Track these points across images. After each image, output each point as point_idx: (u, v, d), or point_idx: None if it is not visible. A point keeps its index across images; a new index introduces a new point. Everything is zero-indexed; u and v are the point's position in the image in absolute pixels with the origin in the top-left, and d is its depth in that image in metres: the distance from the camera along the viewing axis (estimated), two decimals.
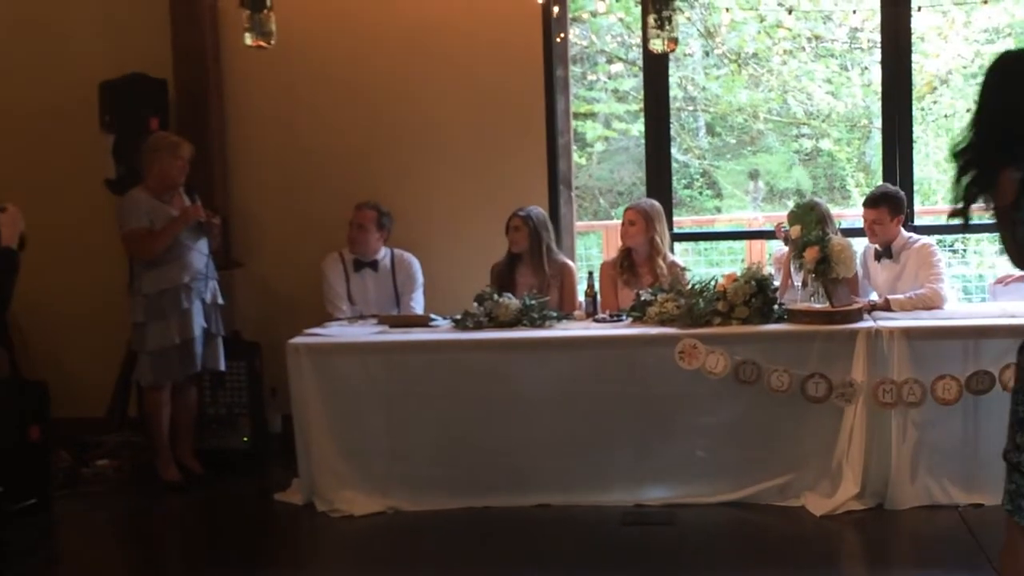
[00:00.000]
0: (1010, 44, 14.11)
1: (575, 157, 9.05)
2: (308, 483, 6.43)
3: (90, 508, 6.84)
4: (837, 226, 7.06)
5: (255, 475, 7.31)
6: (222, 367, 7.26)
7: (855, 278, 6.67)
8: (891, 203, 6.87)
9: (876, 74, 8.64)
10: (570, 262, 7.52)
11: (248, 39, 6.65)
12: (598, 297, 6.94)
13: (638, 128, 11.14)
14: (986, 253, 12.70)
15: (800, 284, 6.35)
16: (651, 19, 6.92)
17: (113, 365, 7.65)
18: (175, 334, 6.92)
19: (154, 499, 6.98)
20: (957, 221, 3.57)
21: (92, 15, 8.02)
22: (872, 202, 6.94)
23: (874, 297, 6.94)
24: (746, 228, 13.00)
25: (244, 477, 7.30)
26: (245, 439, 7.56)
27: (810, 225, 6.38)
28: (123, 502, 6.98)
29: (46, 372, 7.75)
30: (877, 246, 6.92)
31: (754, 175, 15.21)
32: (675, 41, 6.98)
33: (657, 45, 7.04)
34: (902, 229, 6.91)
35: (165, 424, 7.10)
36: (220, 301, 7.22)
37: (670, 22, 6.86)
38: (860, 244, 7.09)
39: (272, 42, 6.68)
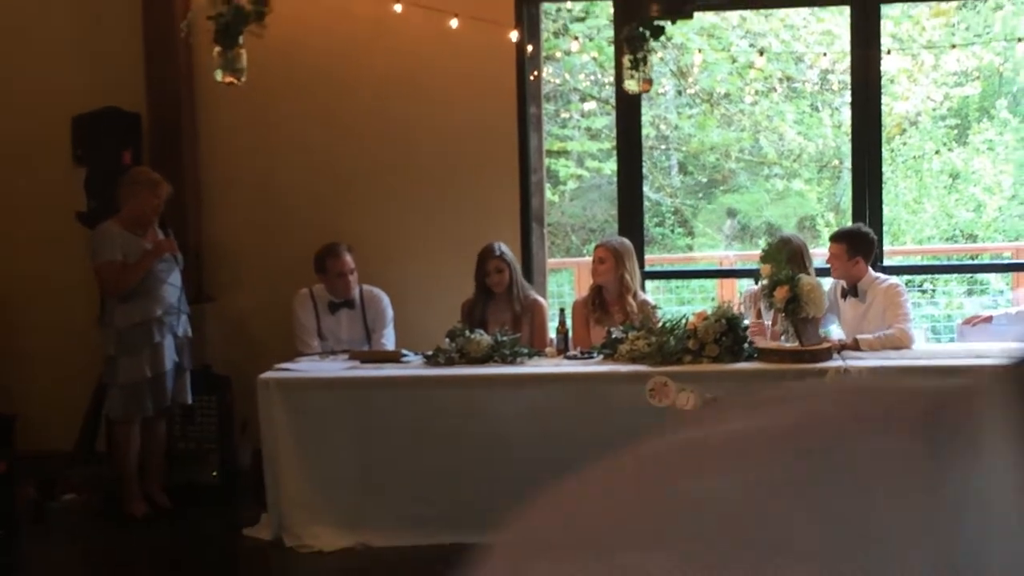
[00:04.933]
0: (978, 87, 14.28)
1: (548, 194, 9.10)
2: (277, 518, 6.40)
3: (57, 543, 6.81)
4: (811, 264, 7.12)
5: (224, 510, 7.27)
6: (189, 401, 7.25)
7: None
8: (850, 241, 6.93)
9: (846, 115, 8.72)
10: (541, 299, 7.54)
11: (219, 75, 6.70)
12: (569, 334, 6.97)
13: (610, 166, 11.21)
14: (955, 293, 12.81)
15: (770, 323, 6.39)
16: (626, 60, 7.00)
17: (82, 398, 7.60)
18: (147, 368, 6.91)
19: (121, 534, 6.93)
20: None
21: (66, 48, 8.02)
22: (833, 236, 7.06)
23: (836, 330, 6.99)
24: (718, 266, 13.08)
25: (213, 512, 7.27)
26: (214, 473, 7.53)
27: (780, 264, 6.42)
28: (90, 537, 6.95)
29: (14, 405, 7.73)
30: (843, 284, 6.98)
31: (730, 213, 15.30)
32: (649, 82, 7.07)
33: (631, 86, 7.13)
34: (870, 269, 6.96)
35: (134, 458, 7.07)
36: (191, 335, 7.21)
37: (644, 63, 6.95)
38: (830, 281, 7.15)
39: (243, 79, 6.74)
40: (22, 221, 8.04)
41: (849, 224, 7.46)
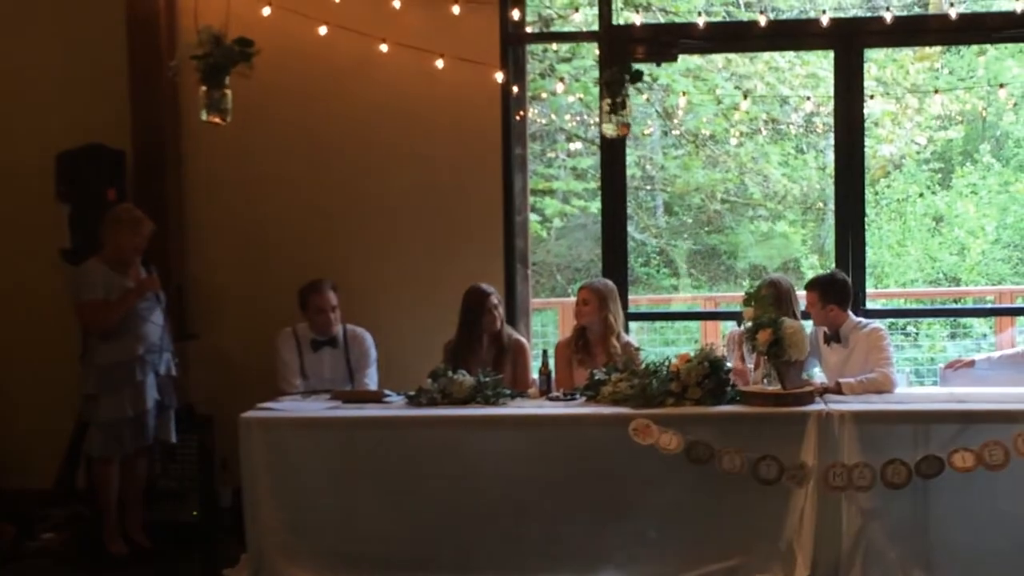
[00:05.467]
0: (961, 131, 14.37)
1: (534, 231, 9.11)
2: (256, 558, 6.34)
3: None
4: (799, 306, 7.15)
5: (204, 550, 7.23)
6: (173, 439, 7.22)
7: None
8: (822, 289, 6.94)
9: (831, 157, 8.77)
10: (523, 339, 7.53)
11: (204, 115, 6.72)
12: (552, 375, 6.95)
13: (596, 206, 11.24)
14: (938, 337, 12.83)
15: (753, 366, 6.38)
16: (604, 104, 7.03)
17: (62, 436, 7.54)
18: (128, 406, 6.88)
19: (101, 573, 6.88)
20: None
21: (50, 85, 8.02)
22: (808, 285, 7.10)
23: (818, 374, 6.99)
24: (700, 308, 13.10)
25: (193, 551, 7.23)
26: (195, 513, 7.49)
27: (764, 306, 6.41)
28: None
29: None
30: (825, 329, 6.99)
31: (713, 254, 15.35)
32: (627, 126, 7.10)
33: (609, 130, 7.17)
34: (850, 314, 6.97)
35: (114, 496, 7.03)
36: (174, 373, 7.19)
37: (623, 107, 6.97)
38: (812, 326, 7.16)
39: (228, 119, 6.76)
40: (4, 258, 8.02)
41: (826, 270, 7.47)
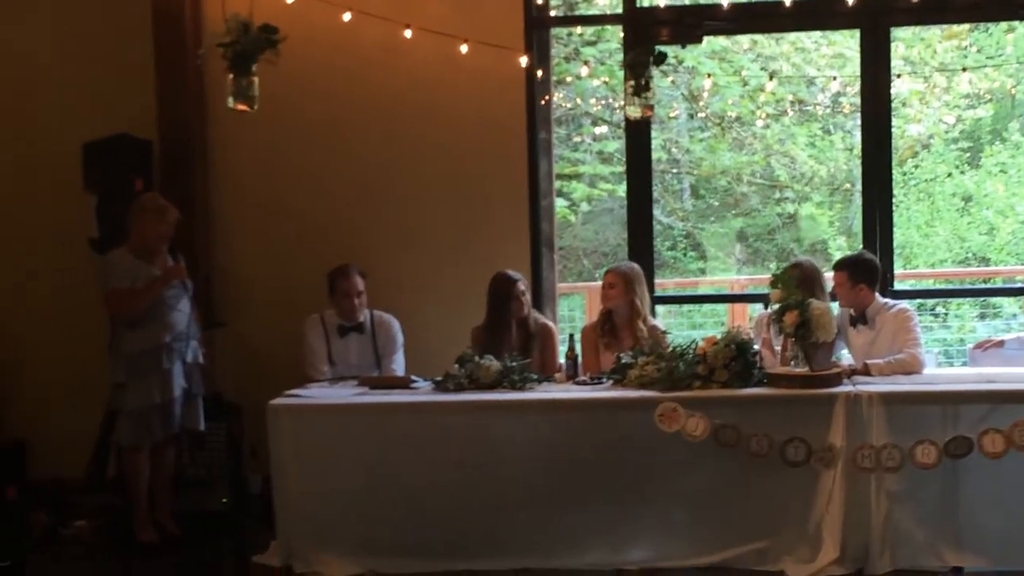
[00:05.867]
0: (990, 110, 14.25)
1: (563, 212, 9.07)
2: (286, 545, 6.37)
3: (66, 570, 6.79)
4: (826, 288, 7.12)
5: (233, 537, 7.28)
6: (202, 427, 7.25)
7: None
8: (852, 269, 6.91)
9: (858, 138, 8.71)
10: (551, 324, 7.53)
11: (231, 103, 6.73)
12: (579, 359, 6.95)
13: (623, 189, 11.22)
14: (967, 317, 12.76)
15: (780, 348, 6.36)
16: (628, 86, 7.01)
17: (93, 425, 7.57)
18: (155, 394, 6.91)
19: (131, 561, 6.92)
20: None
21: (77, 75, 8.05)
22: (836, 265, 7.06)
23: (846, 357, 6.95)
24: (728, 291, 13.05)
25: (222, 539, 7.27)
26: (224, 500, 7.52)
27: (791, 289, 6.39)
28: (100, 564, 6.93)
29: (26, 431, 7.75)
30: (852, 311, 6.95)
31: (739, 237, 15.30)
32: (651, 108, 7.07)
33: (633, 112, 7.14)
34: (877, 295, 6.94)
35: (144, 485, 7.06)
36: (201, 361, 7.22)
37: (647, 89, 6.94)
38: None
39: (255, 107, 6.77)
40: (33, 248, 8.08)
41: (854, 250, 7.43)
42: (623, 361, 6.55)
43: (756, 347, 6.49)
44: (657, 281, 8.70)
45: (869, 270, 6.93)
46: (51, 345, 8.08)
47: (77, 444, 7.68)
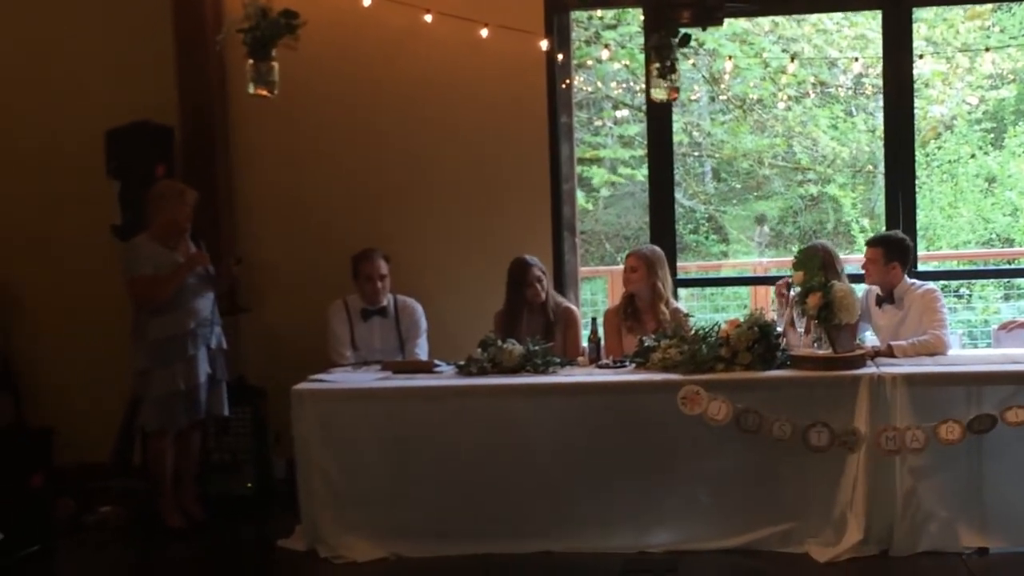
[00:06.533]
0: (1014, 90, 14.17)
1: (581, 202, 9.07)
2: (311, 529, 6.40)
3: (93, 555, 6.81)
4: (843, 271, 7.08)
5: (258, 521, 7.29)
6: (226, 412, 7.28)
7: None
8: (888, 246, 6.88)
9: (880, 120, 8.67)
10: (573, 307, 7.53)
11: (251, 88, 6.72)
12: (602, 343, 6.95)
13: (644, 173, 11.19)
14: (991, 298, 12.69)
15: (803, 330, 6.34)
16: (653, 68, 6.98)
17: (118, 411, 7.62)
18: (180, 380, 6.94)
19: (157, 546, 6.95)
20: None
21: (99, 62, 8.08)
22: (871, 241, 7.01)
23: (871, 339, 6.93)
24: (750, 273, 13.01)
25: (247, 523, 7.29)
26: (249, 485, 7.56)
27: (813, 270, 6.37)
28: (126, 549, 6.95)
29: (51, 418, 7.78)
30: (879, 291, 6.93)
31: (760, 220, 15.25)
32: (676, 90, 7.04)
33: (659, 94, 7.10)
34: (905, 276, 6.91)
35: (169, 470, 7.09)
36: (224, 346, 7.24)
37: (672, 71, 6.92)
38: (863, 288, 7.10)
39: (275, 92, 6.76)
40: (56, 235, 8.11)
41: (885, 230, 7.40)
42: (646, 344, 6.55)
43: (773, 314, 6.46)
44: (679, 264, 8.69)
45: (904, 250, 6.91)
46: (75, 332, 8.12)
47: (102, 430, 7.73)
